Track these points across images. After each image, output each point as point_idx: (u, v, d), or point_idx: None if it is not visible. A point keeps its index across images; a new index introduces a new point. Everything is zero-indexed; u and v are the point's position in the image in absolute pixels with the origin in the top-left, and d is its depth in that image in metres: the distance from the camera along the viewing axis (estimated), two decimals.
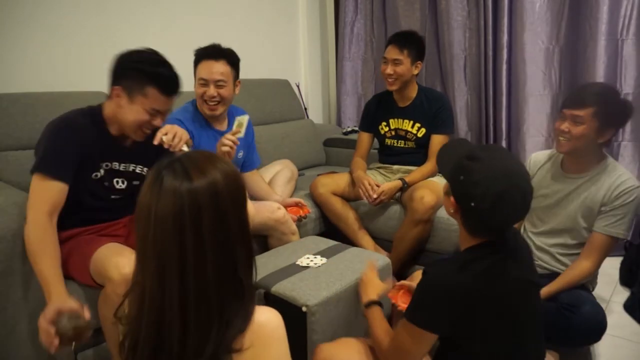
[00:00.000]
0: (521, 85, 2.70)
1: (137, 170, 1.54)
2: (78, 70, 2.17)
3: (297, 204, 2.03)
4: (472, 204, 0.96)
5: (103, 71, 2.48)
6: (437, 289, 0.98)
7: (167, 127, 1.45)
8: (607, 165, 1.50)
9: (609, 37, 2.42)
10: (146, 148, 1.46)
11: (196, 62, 1.81)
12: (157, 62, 1.40)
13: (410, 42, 2.11)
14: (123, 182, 1.51)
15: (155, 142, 1.41)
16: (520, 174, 0.97)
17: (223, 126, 1.96)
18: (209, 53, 1.78)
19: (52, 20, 2.08)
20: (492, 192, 0.93)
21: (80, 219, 1.47)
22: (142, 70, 1.36)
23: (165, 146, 1.41)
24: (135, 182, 1.52)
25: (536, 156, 1.70)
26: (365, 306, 1.25)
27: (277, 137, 2.80)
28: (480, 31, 2.79)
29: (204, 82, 1.77)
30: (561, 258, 1.60)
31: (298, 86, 3.40)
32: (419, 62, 2.14)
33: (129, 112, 1.39)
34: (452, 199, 1.02)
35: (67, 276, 1.41)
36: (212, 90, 1.77)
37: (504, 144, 2.83)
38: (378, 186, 2.04)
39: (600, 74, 2.46)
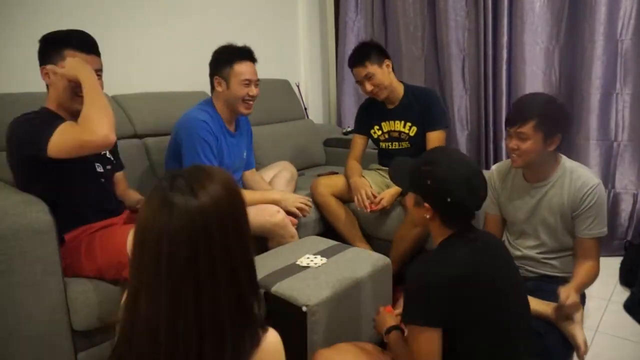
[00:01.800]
0: (521, 85, 2.70)
1: (107, 155, 1.60)
2: None
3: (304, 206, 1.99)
4: (449, 199, 1.05)
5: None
6: (423, 286, 1.03)
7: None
8: (565, 167, 1.53)
9: (608, 38, 2.43)
10: None
11: (230, 62, 1.83)
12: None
13: (366, 53, 2.07)
14: (99, 167, 1.53)
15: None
16: (468, 159, 1.12)
17: (233, 127, 1.99)
18: (246, 55, 1.86)
19: (51, 21, 2.08)
20: (461, 181, 1.05)
21: (89, 210, 1.49)
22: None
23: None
24: (108, 167, 1.57)
25: (498, 167, 1.72)
26: (386, 333, 1.24)
27: (277, 137, 2.81)
28: (479, 31, 2.79)
29: (247, 82, 1.84)
30: (546, 261, 1.60)
31: (298, 86, 3.39)
32: (386, 60, 2.11)
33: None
34: (426, 205, 1.09)
35: (76, 274, 1.42)
36: (254, 90, 1.87)
37: (503, 144, 2.83)
38: (375, 196, 2.04)
39: (599, 74, 2.46)
